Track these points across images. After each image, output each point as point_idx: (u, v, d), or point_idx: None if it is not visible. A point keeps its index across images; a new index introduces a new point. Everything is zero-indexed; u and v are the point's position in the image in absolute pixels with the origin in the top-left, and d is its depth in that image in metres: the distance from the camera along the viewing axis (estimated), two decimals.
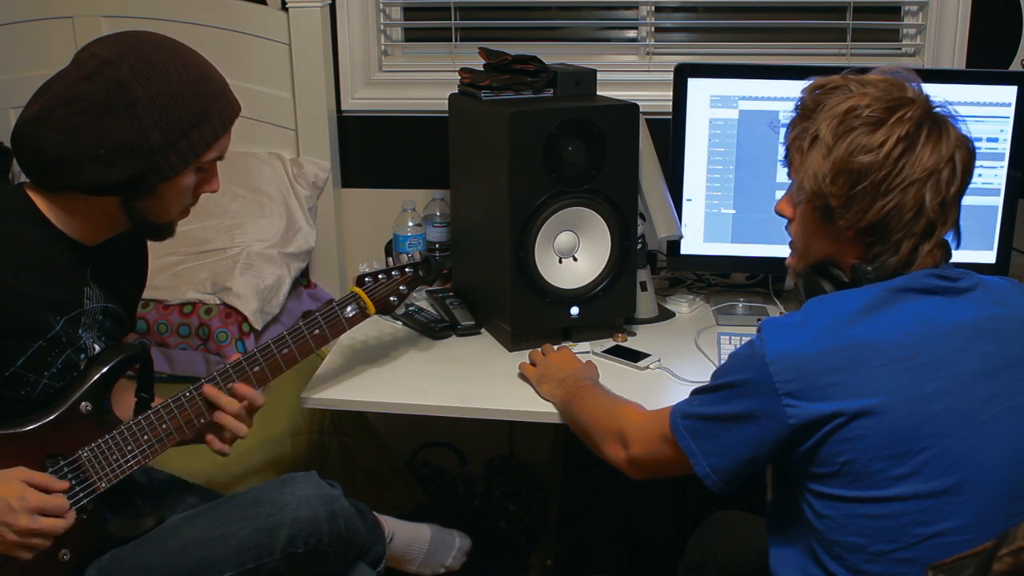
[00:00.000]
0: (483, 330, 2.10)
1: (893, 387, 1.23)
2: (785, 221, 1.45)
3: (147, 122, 1.42)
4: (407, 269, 1.82)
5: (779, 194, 1.43)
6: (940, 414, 1.23)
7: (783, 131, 1.42)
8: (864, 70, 1.38)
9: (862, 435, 1.23)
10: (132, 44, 1.46)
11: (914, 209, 1.28)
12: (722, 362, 1.38)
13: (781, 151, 1.42)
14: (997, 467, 1.25)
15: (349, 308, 1.74)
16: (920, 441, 1.22)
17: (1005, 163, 2.07)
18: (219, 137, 1.51)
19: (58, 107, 1.41)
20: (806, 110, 1.36)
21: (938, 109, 1.32)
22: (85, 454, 1.50)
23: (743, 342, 1.64)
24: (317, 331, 1.69)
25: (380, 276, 1.79)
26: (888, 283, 1.29)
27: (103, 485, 1.51)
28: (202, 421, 1.58)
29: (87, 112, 1.41)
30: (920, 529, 1.24)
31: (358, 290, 1.76)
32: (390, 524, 1.95)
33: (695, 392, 1.38)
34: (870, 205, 1.28)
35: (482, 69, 2.10)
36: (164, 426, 1.55)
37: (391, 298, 1.80)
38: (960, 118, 1.33)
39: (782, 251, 1.49)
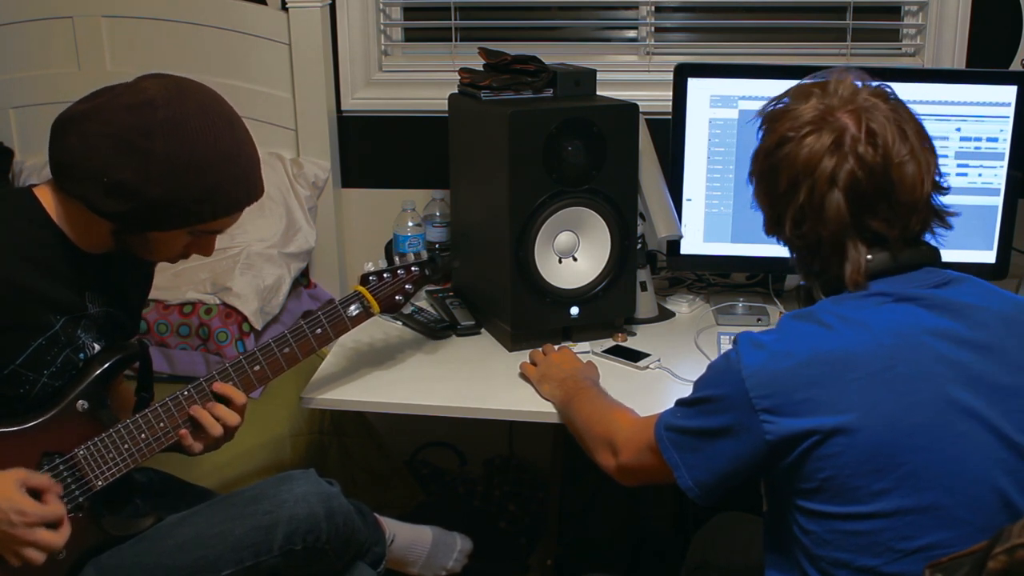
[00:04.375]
0: (483, 330, 2.10)
1: (869, 403, 1.21)
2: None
3: (154, 176, 1.41)
4: (413, 268, 1.81)
5: None
6: (918, 427, 1.21)
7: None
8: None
9: (840, 452, 1.21)
10: (183, 96, 1.44)
11: (847, 214, 1.27)
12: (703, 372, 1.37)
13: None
14: (980, 478, 1.22)
15: (353, 307, 1.73)
16: (899, 456, 1.21)
17: (1005, 163, 2.07)
18: (220, 218, 1.51)
19: (94, 119, 1.42)
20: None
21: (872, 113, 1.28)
22: (82, 452, 1.49)
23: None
24: (319, 330, 1.68)
25: (385, 275, 1.78)
26: (864, 292, 1.28)
27: (99, 483, 1.50)
28: None
29: (110, 139, 1.41)
30: (903, 544, 1.22)
31: (362, 289, 1.75)
32: (391, 526, 1.94)
33: (678, 403, 1.37)
34: (807, 215, 1.29)
35: (482, 69, 2.10)
36: (162, 424, 1.55)
37: (396, 297, 1.79)
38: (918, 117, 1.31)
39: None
